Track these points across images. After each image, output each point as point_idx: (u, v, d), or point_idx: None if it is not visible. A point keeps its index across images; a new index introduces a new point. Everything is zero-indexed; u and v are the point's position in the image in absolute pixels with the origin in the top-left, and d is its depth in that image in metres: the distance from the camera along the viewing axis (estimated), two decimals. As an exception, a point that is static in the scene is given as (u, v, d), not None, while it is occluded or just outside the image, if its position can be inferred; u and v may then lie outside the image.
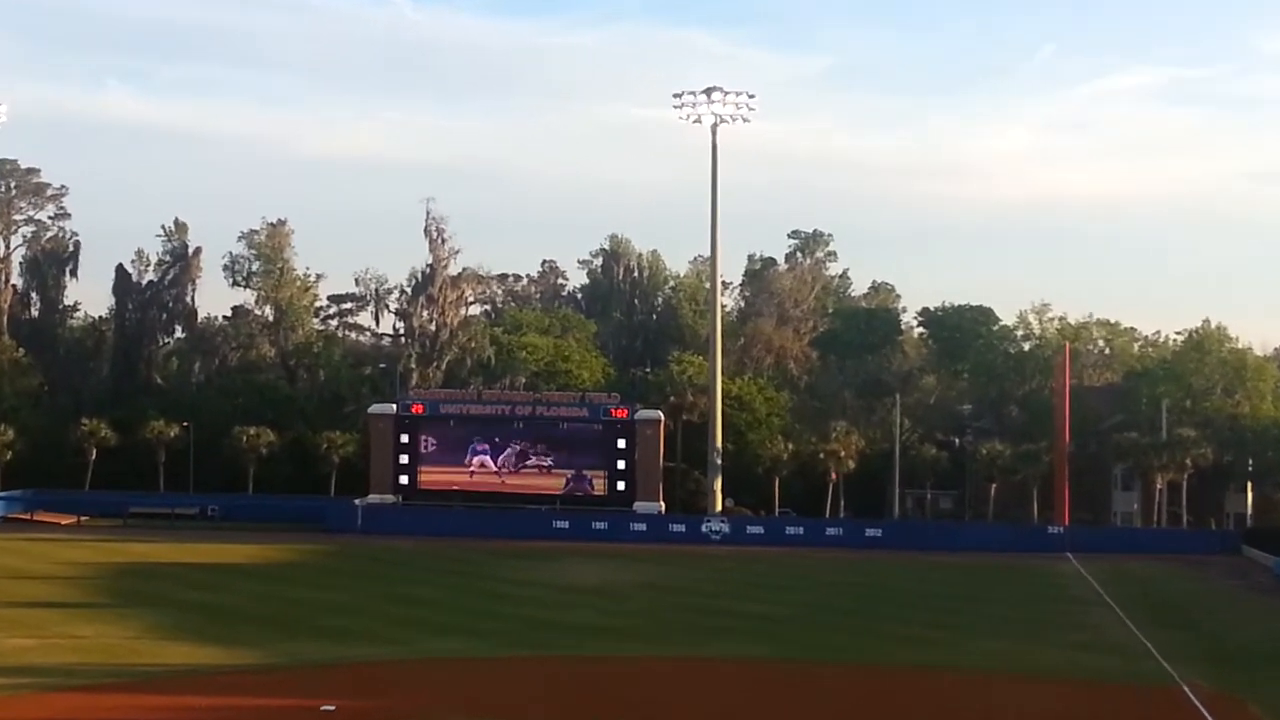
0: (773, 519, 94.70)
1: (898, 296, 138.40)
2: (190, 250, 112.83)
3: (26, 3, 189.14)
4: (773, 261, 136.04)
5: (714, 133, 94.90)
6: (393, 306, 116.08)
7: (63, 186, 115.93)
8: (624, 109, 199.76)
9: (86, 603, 58.38)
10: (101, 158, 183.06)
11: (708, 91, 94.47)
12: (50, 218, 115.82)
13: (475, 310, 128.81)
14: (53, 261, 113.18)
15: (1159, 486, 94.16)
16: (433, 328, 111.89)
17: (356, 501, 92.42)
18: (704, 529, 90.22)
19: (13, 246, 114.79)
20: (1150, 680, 46.97)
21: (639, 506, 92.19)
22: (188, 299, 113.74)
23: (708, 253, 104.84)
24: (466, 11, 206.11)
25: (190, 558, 74.58)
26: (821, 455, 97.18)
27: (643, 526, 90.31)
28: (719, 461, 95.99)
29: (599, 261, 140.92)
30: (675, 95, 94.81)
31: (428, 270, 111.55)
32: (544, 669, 47.19)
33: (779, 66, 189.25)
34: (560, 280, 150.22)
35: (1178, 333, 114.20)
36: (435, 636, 51.99)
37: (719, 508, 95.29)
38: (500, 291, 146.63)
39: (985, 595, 67.74)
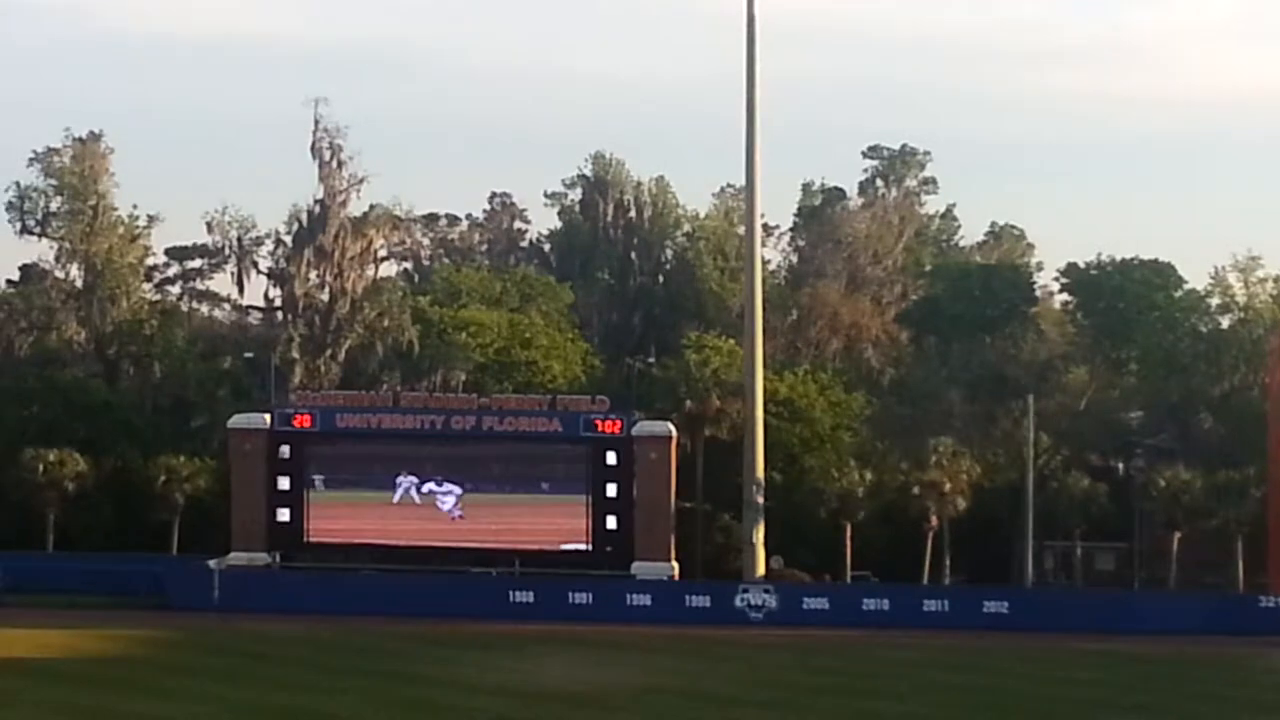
0: (843, 587, 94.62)
1: (1030, 247, 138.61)
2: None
3: None
4: (840, 194, 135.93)
5: None
6: (264, 265, 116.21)
7: None
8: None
9: None
10: None
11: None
12: None
13: (390, 270, 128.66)
14: None
15: None
16: (325, 297, 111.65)
17: (211, 563, 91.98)
18: (739, 602, 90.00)
19: None
20: None
21: (640, 569, 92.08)
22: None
23: (741, 181, 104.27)
24: None
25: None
26: (916, 490, 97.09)
27: (646, 599, 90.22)
28: (761, 500, 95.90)
29: (576, 195, 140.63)
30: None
31: (317, 210, 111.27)
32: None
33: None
34: (519, 224, 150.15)
35: None
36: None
37: (761, 570, 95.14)
38: (428, 241, 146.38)
39: (1170, 706, 67.42)
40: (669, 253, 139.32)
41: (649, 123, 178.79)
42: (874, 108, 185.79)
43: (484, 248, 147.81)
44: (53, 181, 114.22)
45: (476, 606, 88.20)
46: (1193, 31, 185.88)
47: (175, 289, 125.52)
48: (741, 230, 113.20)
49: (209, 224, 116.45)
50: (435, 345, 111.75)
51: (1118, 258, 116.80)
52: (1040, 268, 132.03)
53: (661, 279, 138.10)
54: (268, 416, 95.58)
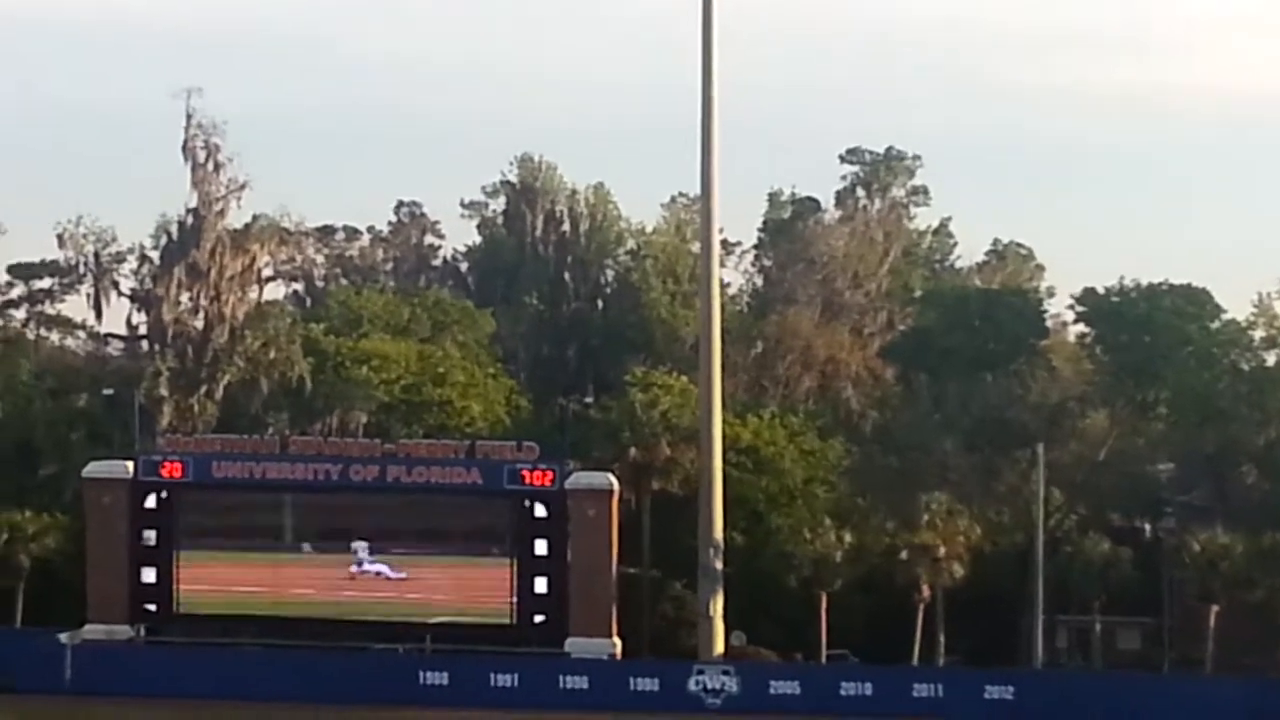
0: (817, 668, 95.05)
1: (1039, 269, 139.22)
2: None
3: None
4: (814, 205, 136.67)
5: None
6: (126, 286, 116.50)
7: None
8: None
9: None
10: None
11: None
12: None
13: (277, 292, 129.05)
14: None
15: None
16: (200, 324, 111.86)
17: (63, 637, 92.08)
18: (694, 686, 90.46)
19: None
20: None
21: (576, 645, 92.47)
22: None
23: (696, 189, 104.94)
24: None
25: None
26: (905, 555, 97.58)
27: (583, 682, 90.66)
28: (719, 566, 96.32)
29: (499, 205, 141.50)
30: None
31: (189, 220, 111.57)
32: None
33: None
34: (430, 239, 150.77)
35: None
36: None
37: (720, 648, 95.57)
38: (322, 259, 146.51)
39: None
40: (609, 274, 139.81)
41: (586, 121, 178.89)
42: (854, 103, 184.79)
43: (389, 266, 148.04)
44: None
45: (379, 689, 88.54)
46: (1234, 16, 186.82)
47: (19, 313, 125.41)
48: (696, 247, 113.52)
49: (60, 237, 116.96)
50: (331, 381, 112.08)
51: (1143, 282, 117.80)
52: (1051, 294, 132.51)
53: (601, 304, 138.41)
54: (130, 464, 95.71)
